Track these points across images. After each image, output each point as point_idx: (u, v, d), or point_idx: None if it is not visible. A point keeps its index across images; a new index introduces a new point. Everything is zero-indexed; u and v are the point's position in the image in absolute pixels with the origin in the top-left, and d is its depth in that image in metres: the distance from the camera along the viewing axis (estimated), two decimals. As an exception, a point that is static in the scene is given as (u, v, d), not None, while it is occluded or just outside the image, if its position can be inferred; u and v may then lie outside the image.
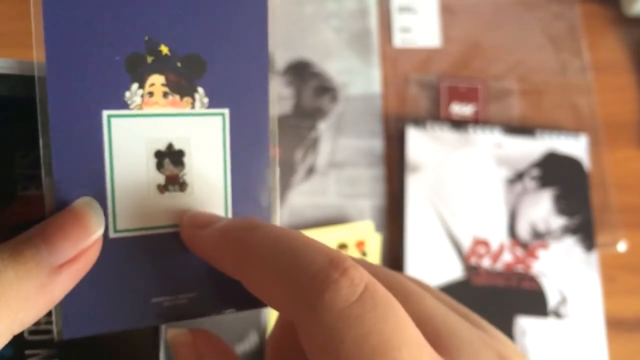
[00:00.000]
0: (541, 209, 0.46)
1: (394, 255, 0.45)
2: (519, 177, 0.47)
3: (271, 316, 0.43)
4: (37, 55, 0.14)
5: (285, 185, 0.45)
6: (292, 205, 0.45)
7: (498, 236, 0.45)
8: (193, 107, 0.16)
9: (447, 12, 0.51)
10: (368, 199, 0.46)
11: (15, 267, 0.13)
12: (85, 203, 0.14)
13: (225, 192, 0.16)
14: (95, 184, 0.15)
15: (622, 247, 0.46)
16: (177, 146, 0.16)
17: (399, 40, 0.50)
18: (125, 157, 0.15)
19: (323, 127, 0.47)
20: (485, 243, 0.45)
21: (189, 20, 0.16)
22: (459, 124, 0.47)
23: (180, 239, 0.16)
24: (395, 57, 0.50)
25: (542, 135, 0.48)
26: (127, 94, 0.15)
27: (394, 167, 0.47)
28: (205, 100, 0.16)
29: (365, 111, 0.48)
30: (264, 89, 0.16)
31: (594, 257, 0.45)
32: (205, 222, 0.16)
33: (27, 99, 0.15)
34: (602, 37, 0.52)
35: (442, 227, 0.45)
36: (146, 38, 0.15)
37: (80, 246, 0.14)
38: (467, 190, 0.46)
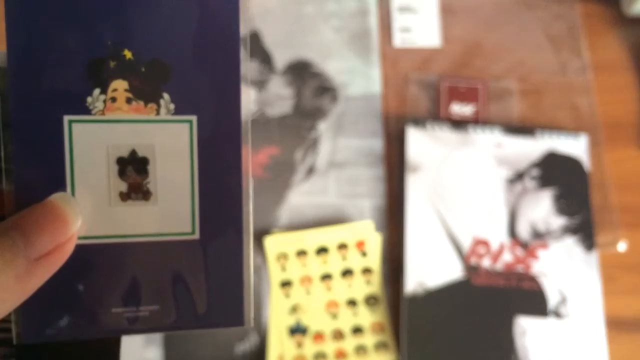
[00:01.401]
0: (541, 208, 0.46)
1: (394, 255, 0.45)
2: (519, 177, 0.47)
3: (272, 316, 0.43)
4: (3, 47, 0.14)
5: (285, 185, 0.45)
6: (292, 205, 0.45)
7: (498, 236, 0.45)
8: (158, 113, 0.15)
9: (447, 12, 0.51)
10: (368, 198, 0.46)
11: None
12: (61, 197, 0.15)
13: (192, 202, 0.16)
14: (55, 187, 0.15)
15: (622, 247, 0.46)
16: (141, 153, 0.15)
17: (399, 40, 0.50)
18: (86, 163, 0.15)
19: (323, 127, 0.47)
20: (485, 243, 0.45)
21: (154, 25, 0.15)
22: (459, 123, 0.47)
23: (145, 250, 0.15)
24: (395, 57, 0.49)
25: (542, 135, 0.48)
26: (89, 99, 0.15)
27: (394, 167, 0.47)
28: (171, 106, 0.16)
29: (366, 111, 0.48)
30: (236, 96, 0.16)
31: (594, 257, 0.45)
32: None
33: None
34: (602, 37, 0.52)
35: (442, 226, 0.45)
36: (109, 42, 0.15)
37: (57, 240, 0.14)
38: (467, 190, 0.46)
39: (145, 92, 0.15)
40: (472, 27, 0.51)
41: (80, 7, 0.15)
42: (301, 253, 0.44)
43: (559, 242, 0.45)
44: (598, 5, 0.53)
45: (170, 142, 0.16)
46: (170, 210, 0.16)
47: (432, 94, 0.49)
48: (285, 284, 0.43)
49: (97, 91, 0.15)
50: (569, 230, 0.45)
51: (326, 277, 0.44)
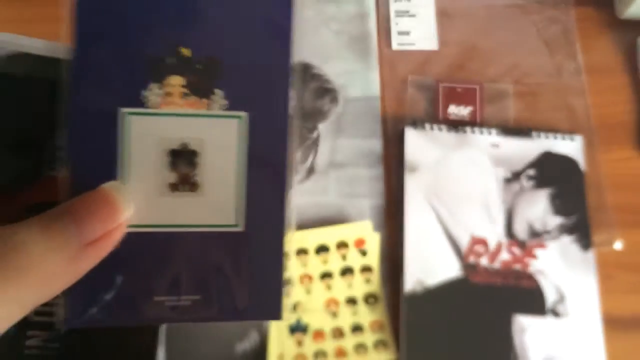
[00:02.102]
0: (538, 208, 0.47)
1: (393, 254, 0.45)
2: (515, 177, 0.47)
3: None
4: (67, 40, 0.15)
5: (286, 185, 0.46)
6: (292, 205, 0.46)
7: (496, 235, 0.45)
8: (211, 108, 0.16)
9: (444, 15, 0.52)
10: (367, 198, 0.46)
11: (45, 241, 0.13)
12: (114, 186, 0.15)
13: (237, 195, 0.16)
14: (108, 176, 0.15)
15: (618, 245, 0.46)
16: (192, 146, 0.16)
17: (397, 43, 0.51)
18: (139, 153, 0.16)
19: (323, 127, 0.48)
20: (483, 242, 0.45)
21: (210, 24, 0.16)
22: (457, 125, 0.48)
23: (189, 240, 0.16)
24: (394, 59, 0.50)
25: (538, 136, 0.48)
26: (146, 93, 0.16)
27: (393, 167, 0.47)
28: (224, 102, 0.16)
29: (365, 112, 0.48)
30: (285, 93, 0.17)
31: (590, 256, 0.45)
32: None
33: (54, 80, 0.15)
34: (596, 39, 0.53)
35: (440, 226, 0.45)
36: (168, 40, 0.16)
37: (107, 227, 0.14)
38: (465, 190, 0.46)
39: (199, 88, 0.16)
40: (468, 31, 0.52)
41: (143, 5, 0.15)
42: (301, 252, 0.44)
43: (556, 241, 0.46)
44: (592, 8, 0.54)
45: (220, 136, 0.16)
46: (216, 203, 0.16)
47: (430, 96, 0.49)
48: (286, 283, 0.44)
49: (153, 85, 0.16)
50: (566, 229, 0.46)
51: (326, 275, 0.44)
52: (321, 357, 0.43)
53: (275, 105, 0.16)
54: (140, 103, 0.16)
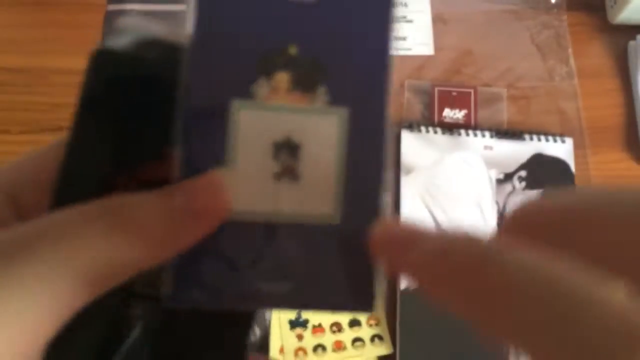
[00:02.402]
0: (529, 208, 0.48)
1: (389, 252, 0.47)
2: (508, 178, 0.49)
3: (274, 310, 0.46)
4: (187, 33, 0.16)
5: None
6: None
7: (488, 234, 0.47)
8: (313, 104, 0.17)
9: (440, 21, 0.54)
10: (365, 199, 0.48)
11: (158, 204, 0.15)
12: (222, 172, 0.16)
13: (336, 187, 0.17)
14: (217, 163, 0.16)
15: (606, 244, 0.48)
16: (295, 139, 0.17)
17: (395, 48, 0.53)
18: (246, 144, 0.16)
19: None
20: (476, 241, 0.47)
21: (318, 25, 0.17)
22: (451, 127, 0.50)
23: (289, 228, 0.17)
24: (391, 64, 0.52)
25: (530, 138, 0.50)
26: (256, 87, 0.16)
27: (389, 169, 0.49)
28: (326, 98, 0.17)
29: (362, 116, 0.50)
30: (384, 91, 0.17)
31: (579, 254, 0.47)
32: (406, 239, 0.14)
33: (176, 66, 0.16)
34: (588, 44, 0.54)
35: (434, 225, 0.47)
36: (279, 38, 0.16)
37: (212, 205, 0.15)
38: (459, 191, 0.48)
39: (304, 84, 0.17)
40: (463, 36, 0.53)
41: (256, 4, 0.16)
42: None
43: (546, 240, 0.47)
44: (585, 14, 0.55)
45: (321, 130, 0.17)
46: (316, 195, 0.17)
47: (425, 100, 0.51)
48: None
49: (262, 80, 0.17)
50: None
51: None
52: (320, 351, 0.45)
53: (374, 103, 0.17)
54: (250, 96, 0.17)
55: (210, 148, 0.16)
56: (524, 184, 0.49)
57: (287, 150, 0.17)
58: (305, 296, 0.17)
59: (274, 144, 0.17)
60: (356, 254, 0.17)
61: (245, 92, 0.16)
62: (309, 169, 0.17)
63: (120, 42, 0.17)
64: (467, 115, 0.51)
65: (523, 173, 0.49)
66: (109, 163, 0.17)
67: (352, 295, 0.16)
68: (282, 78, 0.17)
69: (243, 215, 0.16)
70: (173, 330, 0.18)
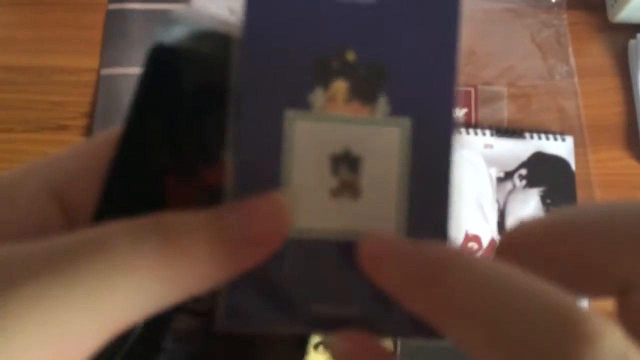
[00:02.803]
0: (529, 206, 0.48)
1: (390, 250, 0.47)
2: (508, 176, 0.49)
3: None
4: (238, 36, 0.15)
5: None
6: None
7: (489, 232, 0.47)
8: (374, 114, 0.15)
9: (441, 20, 0.54)
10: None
11: (210, 231, 0.13)
12: (283, 195, 0.15)
13: (398, 205, 0.16)
14: (270, 178, 0.15)
15: (606, 242, 0.48)
16: (354, 152, 0.15)
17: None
18: (302, 158, 0.15)
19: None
20: (477, 239, 0.47)
21: (375, 28, 0.15)
22: (452, 126, 0.50)
23: (348, 248, 0.15)
24: (391, 63, 0.52)
25: (530, 136, 0.50)
26: (311, 96, 0.15)
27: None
28: (387, 108, 0.15)
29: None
30: (450, 101, 0.16)
31: (579, 253, 0.47)
32: (385, 250, 0.14)
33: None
34: (588, 43, 0.54)
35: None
36: (335, 44, 0.15)
37: (269, 232, 0.14)
38: (460, 189, 0.48)
39: (363, 93, 0.15)
40: (464, 35, 0.53)
41: (310, 6, 0.15)
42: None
43: (547, 238, 0.47)
44: (585, 12, 0.55)
45: (382, 143, 0.15)
46: (377, 211, 0.16)
47: (426, 98, 0.51)
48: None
49: (318, 89, 0.15)
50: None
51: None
52: (321, 348, 0.45)
53: (440, 113, 0.16)
54: (306, 106, 0.15)
55: (264, 160, 0.15)
56: (524, 182, 0.49)
57: (346, 164, 0.15)
58: (369, 320, 0.15)
59: (332, 157, 0.15)
60: None
61: (301, 102, 0.15)
62: (369, 184, 0.16)
63: (178, 35, 0.16)
64: (468, 114, 0.51)
65: (523, 171, 0.49)
66: (162, 164, 0.16)
67: (422, 320, 0.15)
68: (340, 87, 0.15)
69: (299, 234, 0.15)
70: (216, 348, 0.17)
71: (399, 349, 0.44)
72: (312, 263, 0.15)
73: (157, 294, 0.13)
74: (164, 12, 0.54)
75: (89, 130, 0.50)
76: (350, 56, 0.15)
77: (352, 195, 0.15)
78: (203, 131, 0.16)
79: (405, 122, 0.16)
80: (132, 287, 0.12)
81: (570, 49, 0.54)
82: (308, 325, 0.15)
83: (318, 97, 0.15)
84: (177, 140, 0.17)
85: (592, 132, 0.51)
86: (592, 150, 0.50)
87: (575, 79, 0.53)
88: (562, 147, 0.50)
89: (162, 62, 0.16)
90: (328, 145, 0.15)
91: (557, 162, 0.50)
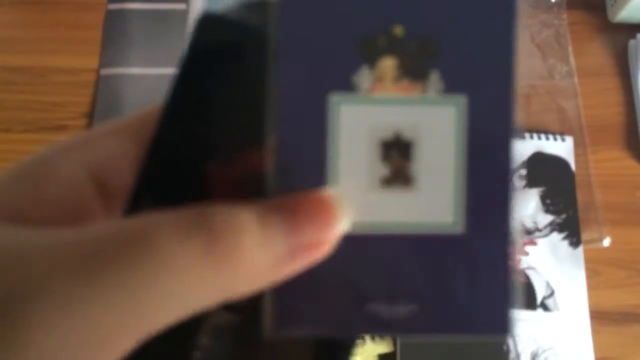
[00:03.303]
0: (529, 206, 0.48)
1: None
2: (508, 176, 0.49)
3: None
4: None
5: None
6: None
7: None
8: (426, 93, 0.14)
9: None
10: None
11: (259, 234, 0.12)
12: (335, 195, 0.13)
13: (457, 191, 0.14)
14: (315, 167, 0.14)
15: (606, 242, 0.48)
16: (406, 136, 0.14)
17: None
18: (349, 144, 0.14)
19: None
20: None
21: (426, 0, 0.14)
22: (452, 126, 0.50)
23: (404, 241, 0.14)
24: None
25: (530, 136, 0.50)
26: (356, 77, 0.14)
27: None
28: (440, 85, 0.14)
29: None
30: (509, 76, 0.14)
31: (579, 253, 0.47)
32: None
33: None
34: (588, 43, 0.54)
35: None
36: (380, 18, 0.14)
37: (321, 237, 0.13)
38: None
39: (414, 70, 0.14)
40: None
41: None
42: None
43: (547, 238, 0.47)
44: (584, 12, 0.55)
45: (436, 124, 0.14)
46: (433, 200, 0.14)
47: (425, 98, 0.51)
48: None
49: (364, 69, 0.14)
50: (556, 227, 0.48)
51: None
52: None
53: (498, 87, 0.14)
54: (351, 88, 0.14)
55: (308, 147, 0.14)
56: (524, 182, 0.49)
57: (398, 150, 0.14)
58: (430, 320, 0.14)
59: (382, 143, 0.14)
60: (486, 268, 0.14)
61: (346, 84, 0.14)
62: (424, 171, 0.14)
63: (226, 4, 0.15)
64: (467, 114, 0.51)
65: (523, 171, 0.49)
66: (203, 146, 0.15)
67: (486, 317, 0.14)
68: (388, 65, 0.14)
69: (349, 230, 0.14)
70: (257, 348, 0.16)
71: (398, 349, 0.44)
72: (364, 260, 0.14)
73: (198, 297, 0.12)
74: (163, 12, 0.54)
75: (88, 131, 0.50)
76: (399, 31, 0.14)
77: (405, 183, 0.14)
78: (247, 112, 0.15)
79: (461, 100, 0.14)
80: (174, 289, 0.11)
81: (570, 49, 0.54)
82: (362, 327, 0.14)
83: (364, 77, 0.14)
84: (220, 120, 0.15)
85: (592, 132, 0.51)
86: (592, 150, 0.50)
87: (575, 79, 0.53)
88: (561, 147, 0.50)
89: (209, 32, 0.15)
90: (377, 130, 0.14)
91: (557, 162, 0.49)
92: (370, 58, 0.14)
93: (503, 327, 0.14)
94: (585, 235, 0.48)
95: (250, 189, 0.14)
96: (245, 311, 0.15)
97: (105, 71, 0.51)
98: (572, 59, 0.53)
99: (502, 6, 0.14)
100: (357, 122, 0.14)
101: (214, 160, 0.15)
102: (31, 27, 0.54)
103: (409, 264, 0.14)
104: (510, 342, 0.44)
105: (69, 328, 0.11)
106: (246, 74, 0.15)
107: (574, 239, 0.47)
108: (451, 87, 0.14)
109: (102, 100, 0.50)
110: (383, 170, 0.14)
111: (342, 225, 0.13)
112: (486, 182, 0.14)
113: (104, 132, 0.15)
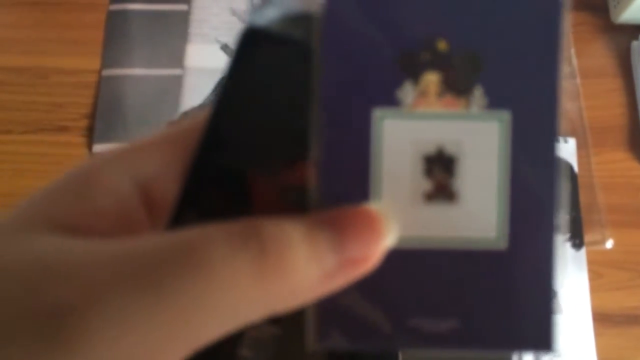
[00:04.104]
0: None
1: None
2: (510, 178, 0.49)
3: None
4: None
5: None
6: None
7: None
8: (469, 108, 0.14)
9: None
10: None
11: (307, 249, 0.12)
12: (383, 210, 0.14)
13: (500, 206, 0.14)
14: (358, 181, 0.14)
15: (609, 244, 0.48)
16: (449, 151, 0.14)
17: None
18: (392, 159, 0.14)
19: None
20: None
21: (469, 13, 0.14)
22: (454, 127, 0.49)
23: (446, 256, 0.14)
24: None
25: (533, 138, 0.50)
26: (400, 92, 0.14)
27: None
28: (484, 101, 0.14)
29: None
30: (553, 91, 0.14)
31: (582, 255, 0.47)
32: None
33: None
34: (591, 44, 0.54)
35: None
36: (423, 32, 0.14)
37: (368, 252, 0.13)
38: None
39: (457, 85, 0.14)
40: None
41: None
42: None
43: (549, 240, 0.47)
44: (587, 13, 0.55)
45: (480, 139, 0.14)
46: (476, 216, 0.14)
47: (428, 100, 0.51)
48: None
49: (408, 84, 0.14)
50: (559, 229, 0.47)
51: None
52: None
53: (542, 103, 0.14)
54: (394, 104, 0.14)
55: (351, 162, 0.14)
56: (526, 184, 0.49)
57: (441, 165, 0.14)
58: (471, 335, 0.14)
59: (425, 158, 0.14)
60: (529, 284, 0.14)
61: (389, 99, 0.14)
62: (466, 186, 0.14)
63: (269, 17, 0.15)
64: (470, 115, 0.51)
65: (526, 173, 0.49)
66: (246, 159, 0.15)
67: (528, 332, 0.14)
68: (431, 80, 0.14)
69: (392, 244, 0.14)
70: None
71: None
72: (406, 275, 0.14)
73: (246, 311, 0.12)
74: (165, 13, 0.54)
75: (89, 132, 0.50)
76: (442, 45, 0.14)
77: (448, 199, 0.14)
78: (290, 125, 0.15)
79: (505, 116, 0.14)
80: (225, 304, 0.11)
81: (572, 50, 0.53)
82: (404, 341, 0.14)
83: (407, 92, 0.14)
84: (263, 133, 0.15)
85: (595, 133, 0.50)
86: (595, 152, 0.50)
87: (578, 80, 0.52)
88: (564, 149, 0.50)
89: (253, 45, 0.15)
90: (420, 145, 0.14)
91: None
92: (414, 73, 0.14)
93: (546, 342, 0.14)
94: (587, 237, 0.48)
95: (291, 202, 0.14)
96: (286, 323, 0.15)
97: (106, 72, 0.51)
98: (574, 60, 0.53)
99: (548, 20, 0.14)
100: (400, 137, 0.14)
101: (257, 172, 0.15)
102: (32, 27, 0.54)
103: (452, 278, 0.14)
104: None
105: (122, 341, 0.11)
106: (290, 87, 0.15)
107: (577, 241, 0.47)
108: (495, 102, 0.14)
109: (103, 101, 0.50)
110: (426, 185, 0.14)
111: (388, 240, 0.13)
112: (529, 197, 0.14)
113: (148, 143, 0.15)
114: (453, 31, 0.14)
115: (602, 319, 0.45)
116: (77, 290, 0.11)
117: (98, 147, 0.49)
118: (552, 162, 0.14)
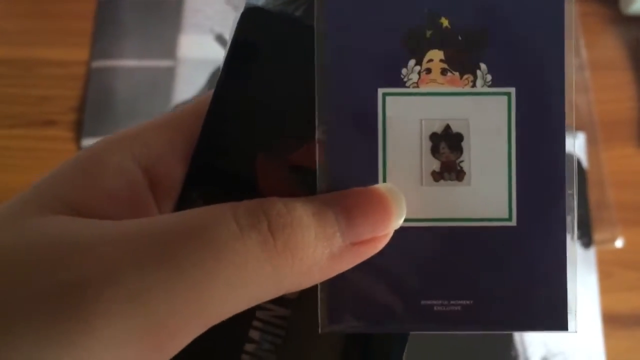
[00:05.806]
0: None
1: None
2: (517, 174, 0.47)
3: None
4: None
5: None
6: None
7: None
8: (474, 85, 0.14)
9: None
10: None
11: (316, 228, 0.13)
12: (390, 191, 0.14)
13: (509, 184, 0.14)
14: (366, 160, 0.14)
15: (619, 243, 0.46)
16: (455, 129, 0.14)
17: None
18: (399, 138, 0.14)
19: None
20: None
21: None
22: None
23: (456, 235, 0.14)
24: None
25: (541, 133, 0.48)
26: (404, 71, 0.14)
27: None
28: (488, 77, 0.14)
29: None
30: (559, 67, 0.14)
31: (591, 254, 0.46)
32: None
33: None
34: (600, 36, 0.53)
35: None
36: (426, 10, 0.14)
37: (377, 232, 0.13)
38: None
39: (461, 62, 0.14)
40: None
41: None
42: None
43: (557, 239, 0.46)
44: (596, 4, 0.53)
45: (486, 116, 0.14)
46: (485, 193, 0.14)
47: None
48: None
49: (412, 62, 0.14)
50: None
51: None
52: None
53: (547, 79, 0.14)
54: (400, 82, 0.14)
55: (357, 141, 0.14)
56: (534, 180, 0.47)
57: (447, 143, 0.14)
58: (484, 315, 0.14)
59: (431, 136, 0.14)
60: (542, 262, 0.14)
61: (394, 77, 0.14)
62: (474, 163, 0.14)
63: None
64: (475, 109, 0.49)
65: (533, 169, 0.48)
66: (252, 138, 0.15)
67: (543, 311, 0.14)
68: (435, 58, 0.14)
69: (401, 225, 0.14)
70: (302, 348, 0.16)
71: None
72: (417, 255, 0.14)
73: (257, 290, 0.12)
74: (157, 2, 0.52)
75: (78, 126, 0.48)
76: (445, 23, 0.14)
77: (456, 177, 0.14)
78: (295, 105, 0.15)
79: (510, 92, 0.14)
80: (235, 282, 0.12)
81: (581, 42, 0.52)
82: (416, 322, 0.14)
83: (411, 71, 0.14)
84: (267, 113, 0.15)
85: (605, 128, 0.49)
86: (605, 147, 0.49)
87: (587, 73, 0.51)
88: (573, 144, 0.48)
89: (254, 24, 0.15)
90: (427, 124, 0.14)
91: (569, 160, 0.48)
92: (418, 51, 0.14)
93: (560, 322, 0.14)
94: (597, 236, 0.46)
95: (298, 182, 0.14)
96: (296, 305, 0.15)
97: (96, 63, 0.50)
98: (583, 52, 0.51)
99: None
100: (406, 116, 0.14)
101: (262, 152, 0.15)
102: (18, 17, 0.52)
103: (463, 258, 0.14)
104: (518, 346, 0.43)
105: (137, 314, 0.11)
106: (292, 66, 0.15)
107: (586, 240, 0.46)
108: (500, 79, 0.14)
109: (93, 94, 0.49)
110: (433, 164, 0.14)
111: (396, 220, 0.14)
112: (538, 173, 0.14)
113: (153, 126, 0.15)
114: (456, 9, 0.14)
115: (612, 320, 0.44)
116: (93, 266, 0.11)
117: (87, 142, 0.47)
118: (560, 137, 0.15)
